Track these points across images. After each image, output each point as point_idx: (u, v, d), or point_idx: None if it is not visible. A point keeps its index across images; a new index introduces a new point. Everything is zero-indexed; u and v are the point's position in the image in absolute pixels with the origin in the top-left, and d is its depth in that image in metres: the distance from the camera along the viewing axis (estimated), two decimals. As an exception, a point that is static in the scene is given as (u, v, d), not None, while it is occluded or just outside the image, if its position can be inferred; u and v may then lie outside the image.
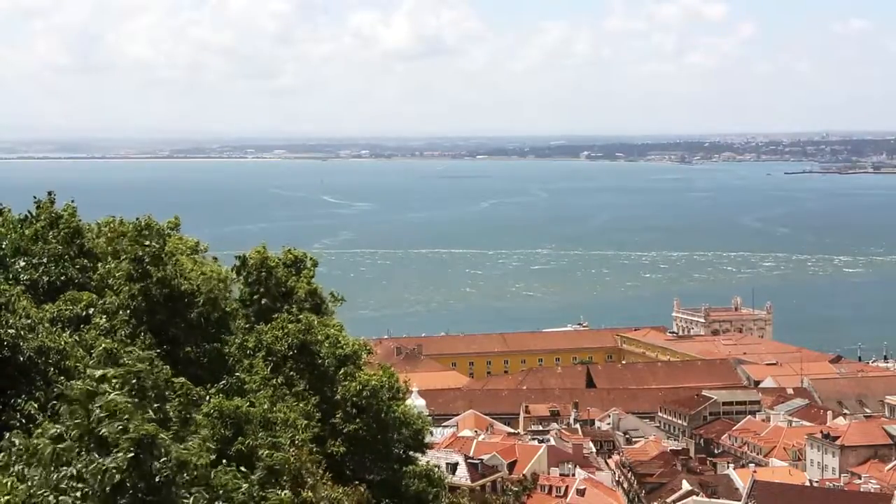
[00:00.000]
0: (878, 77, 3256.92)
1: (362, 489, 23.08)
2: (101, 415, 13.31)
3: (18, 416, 18.83)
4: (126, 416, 13.31)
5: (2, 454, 14.10)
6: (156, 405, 14.29)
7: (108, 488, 12.79)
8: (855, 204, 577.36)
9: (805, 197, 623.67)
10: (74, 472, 13.02)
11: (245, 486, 14.65)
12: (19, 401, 19.09)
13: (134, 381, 14.25)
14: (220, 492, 14.08)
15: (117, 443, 13.06)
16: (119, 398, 13.57)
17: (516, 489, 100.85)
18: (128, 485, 12.93)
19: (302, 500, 18.07)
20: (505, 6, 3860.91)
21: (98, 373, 14.29)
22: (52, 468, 13.16)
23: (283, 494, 17.74)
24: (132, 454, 12.96)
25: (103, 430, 13.18)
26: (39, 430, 13.98)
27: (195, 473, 13.64)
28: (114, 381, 14.04)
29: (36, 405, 19.03)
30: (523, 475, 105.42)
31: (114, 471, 12.89)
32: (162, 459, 13.18)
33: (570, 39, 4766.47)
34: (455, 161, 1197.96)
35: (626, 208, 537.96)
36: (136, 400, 13.93)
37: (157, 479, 13.12)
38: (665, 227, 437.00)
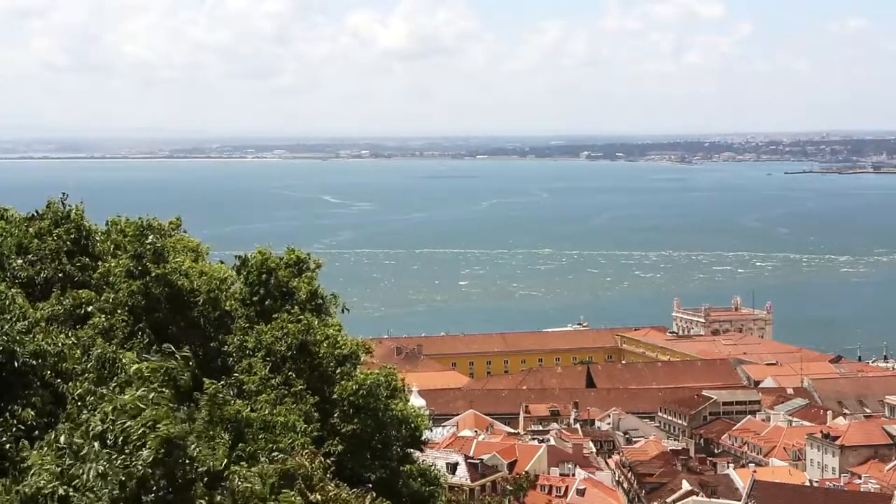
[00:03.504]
0: (877, 77, 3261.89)
1: (372, 495, 23.05)
2: (128, 412, 13.33)
3: (16, 423, 18.75)
4: (154, 414, 13.31)
5: (46, 448, 14.06)
6: (186, 405, 14.29)
7: (132, 486, 12.82)
8: (855, 204, 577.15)
9: (805, 197, 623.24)
10: (100, 468, 13.03)
11: (259, 488, 14.64)
12: (16, 408, 19.01)
13: (166, 378, 14.25)
14: (237, 494, 14.07)
15: (144, 441, 13.07)
16: (147, 395, 13.59)
17: (512, 488, 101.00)
18: (151, 483, 12.95)
19: (310, 502, 18.06)
20: (502, 5, 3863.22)
21: (133, 367, 14.32)
22: (76, 463, 13.16)
23: (292, 495, 17.73)
24: (159, 454, 12.98)
25: (130, 428, 13.18)
26: (82, 428, 13.91)
27: (216, 476, 13.67)
28: (147, 377, 14.05)
29: (33, 412, 18.96)
30: (518, 474, 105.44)
31: (139, 468, 12.91)
32: (186, 460, 13.19)
33: (568, 39, 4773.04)
34: (455, 161, 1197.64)
35: (627, 208, 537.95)
36: (170, 396, 13.90)
37: (179, 480, 13.14)
38: (665, 227, 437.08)
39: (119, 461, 13.01)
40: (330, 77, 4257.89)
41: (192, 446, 13.47)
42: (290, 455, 19.75)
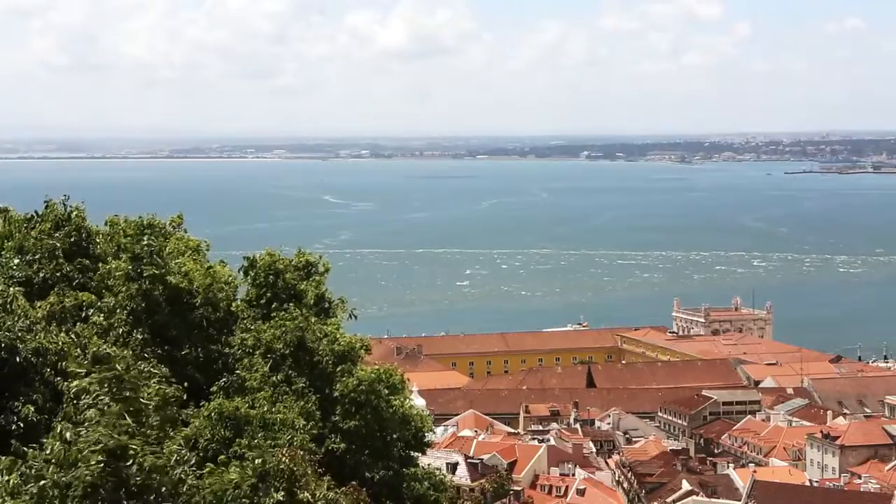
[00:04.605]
0: (877, 76, 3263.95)
1: (362, 492, 22.95)
2: (78, 429, 13.47)
3: (16, 419, 18.78)
4: (99, 428, 13.41)
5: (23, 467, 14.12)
6: (131, 409, 14.37)
7: (83, 495, 12.93)
8: (855, 204, 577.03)
9: (805, 197, 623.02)
10: (50, 482, 13.15)
11: (231, 489, 14.64)
12: (17, 404, 19.04)
13: (112, 387, 14.33)
14: (208, 494, 14.10)
15: (89, 455, 13.19)
16: (93, 412, 13.71)
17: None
18: (102, 493, 13.04)
19: (297, 501, 17.98)
20: (501, 6, 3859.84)
21: (74, 384, 14.47)
22: (30, 482, 13.28)
23: (278, 496, 17.64)
24: (102, 465, 13.08)
25: (79, 445, 13.32)
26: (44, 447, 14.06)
27: (173, 478, 13.70)
28: (93, 389, 14.15)
29: (33, 408, 19.00)
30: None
31: (87, 479, 13.01)
32: (135, 467, 13.26)
33: (567, 39, 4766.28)
34: (455, 161, 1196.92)
35: (626, 208, 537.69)
36: (116, 406, 13.97)
37: (132, 486, 13.22)
38: (665, 227, 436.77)
39: (68, 475, 13.15)
40: (329, 77, 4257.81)
41: (142, 452, 13.53)
42: (274, 453, 19.67)
